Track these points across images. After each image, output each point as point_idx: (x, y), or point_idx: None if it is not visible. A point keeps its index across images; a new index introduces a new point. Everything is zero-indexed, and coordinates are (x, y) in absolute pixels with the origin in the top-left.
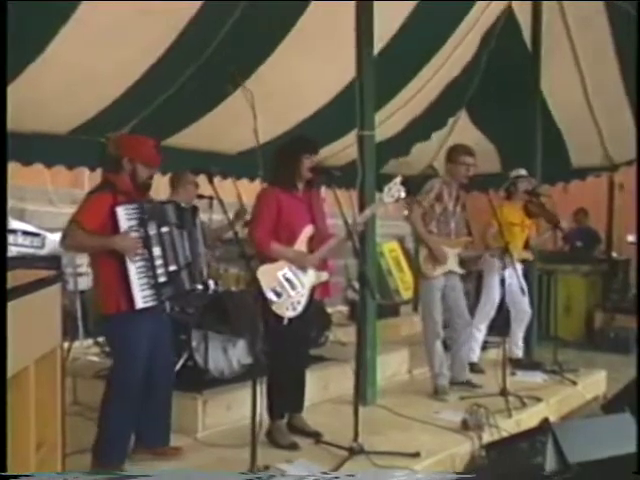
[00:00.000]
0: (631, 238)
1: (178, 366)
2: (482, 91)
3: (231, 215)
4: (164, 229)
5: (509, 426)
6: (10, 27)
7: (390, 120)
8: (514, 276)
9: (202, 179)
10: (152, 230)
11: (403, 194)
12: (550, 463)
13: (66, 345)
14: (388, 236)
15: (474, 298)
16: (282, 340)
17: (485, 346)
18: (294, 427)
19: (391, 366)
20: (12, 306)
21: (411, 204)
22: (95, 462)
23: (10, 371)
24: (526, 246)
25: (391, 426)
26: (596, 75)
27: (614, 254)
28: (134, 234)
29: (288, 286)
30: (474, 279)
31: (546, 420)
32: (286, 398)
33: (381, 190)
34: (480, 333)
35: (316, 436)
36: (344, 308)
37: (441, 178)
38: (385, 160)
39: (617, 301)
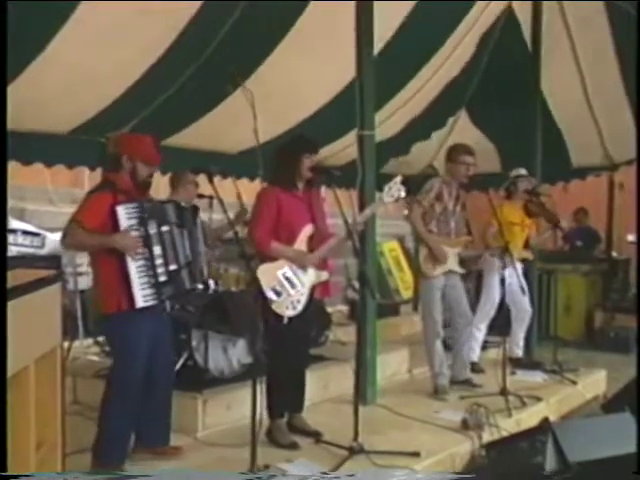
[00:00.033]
0: (631, 238)
1: (178, 366)
2: (482, 91)
3: (231, 215)
4: (164, 228)
5: (509, 425)
6: (10, 27)
7: (390, 120)
8: (514, 275)
9: (202, 179)
10: (152, 229)
11: (403, 193)
12: (550, 463)
13: (66, 344)
14: (388, 235)
15: (474, 297)
16: (282, 339)
17: (485, 346)
18: (294, 426)
19: (391, 365)
20: (12, 305)
21: (411, 204)
22: (95, 462)
23: (10, 370)
24: (526, 245)
25: (391, 426)
26: (596, 75)
27: (614, 254)
28: (134, 233)
29: (288, 285)
30: (474, 278)
31: (546, 419)
32: (286, 397)
33: (381, 190)
34: (480, 333)
35: (316, 435)
36: (344, 307)
37: (441, 177)
38: (385, 160)
39: (617, 300)
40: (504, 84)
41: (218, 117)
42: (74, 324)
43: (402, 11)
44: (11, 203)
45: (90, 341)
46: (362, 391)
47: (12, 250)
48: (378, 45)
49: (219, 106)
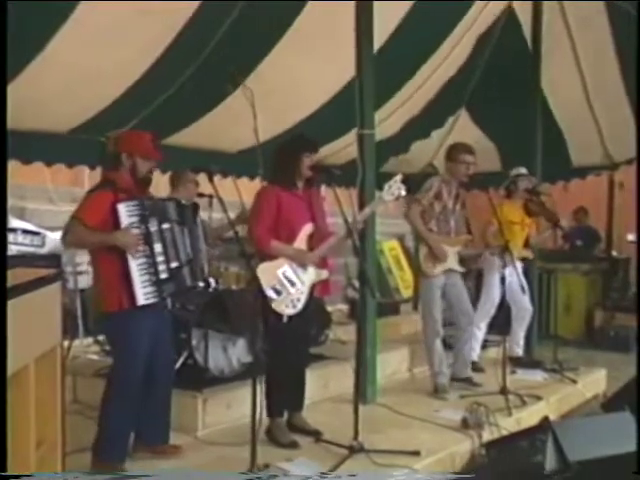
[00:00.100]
0: (631, 237)
1: (178, 364)
2: (483, 90)
3: (232, 215)
4: (165, 225)
5: (509, 424)
6: (10, 26)
7: (389, 119)
8: (514, 274)
9: (202, 178)
10: (153, 227)
11: (403, 192)
12: (550, 462)
13: (66, 343)
14: (388, 234)
15: (474, 296)
16: (282, 338)
17: (485, 345)
18: (294, 426)
19: (391, 364)
20: (12, 304)
21: (409, 202)
22: (95, 461)
23: (10, 369)
24: (526, 245)
25: (391, 424)
26: (596, 74)
27: (614, 253)
28: (135, 230)
29: (288, 284)
30: (474, 277)
31: (546, 419)
32: (286, 396)
33: (381, 188)
34: (480, 331)
35: (316, 434)
36: (344, 306)
37: (440, 176)
38: (385, 158)
39: (617, 300)
40: (504, 83)
41: (218, 116)
42: (74, 323)
43: (400, 10)
44: (11, 202)
45: (90, 340)
46: (362, 390)
47: (12, 249)
48: (377, 44)
49: (219, 105)
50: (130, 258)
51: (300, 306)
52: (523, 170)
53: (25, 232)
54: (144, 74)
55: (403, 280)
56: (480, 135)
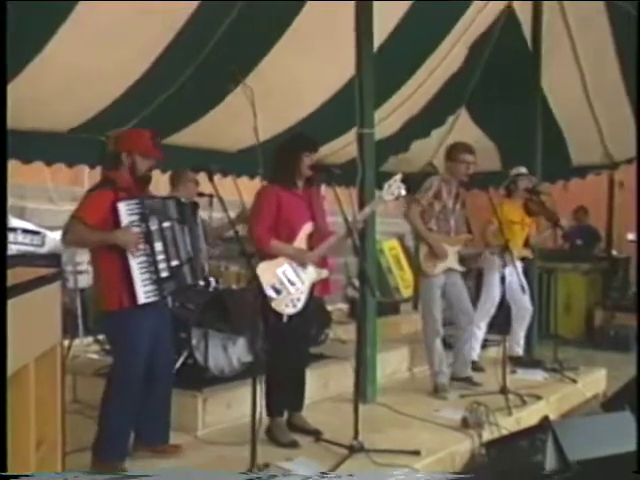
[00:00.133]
0: (631, 236)
1: (178, 364)
2: (483, 89)
3: (232, 214)
4: (166, 224)
5: (509, 424)
6: (10, 26)
7: (389, 118)
8: (514, 274)
9: (202, 177)
10: (154, 225)
11: (403, 191)
12: (550, 461)
13: (66, 343)
14: (388, 234)
15: (474, 296)
16: (282, 337)
17: (485, 344)
18: (294, 425)
19: (391, 364)
20: (12, 304)
21: (409, 202)
22: (95, 460)
23: (10, 369)
24: (526, 244)
25: (391, 424)
26: (596, 74)
27: (614, 252)
28: (136, 229)
29: (288, 283)
30: (474, 277)
31: (546, 418)
32: (285, 395)
33: (381, 188)
34: (480, 331)
35: (316, 434)
36: (344, 306)
37: (440, 176)
38: (385, 158)
39: (617, 299)
40: (504, 83)
41: (218, 116)
42: (74, 322)
43: (399, 10)
44: (11, 201)
45: (90, 339)
46: (362, 389)
47: (12, 248)
48: (377, 43)
49: (219, 105)
50: (130, 257)
51: (300, 305)
52: (523, 169)
53: (25, 231)
54: (144, 74)
55: (403, 279)
56: (480, 134)
